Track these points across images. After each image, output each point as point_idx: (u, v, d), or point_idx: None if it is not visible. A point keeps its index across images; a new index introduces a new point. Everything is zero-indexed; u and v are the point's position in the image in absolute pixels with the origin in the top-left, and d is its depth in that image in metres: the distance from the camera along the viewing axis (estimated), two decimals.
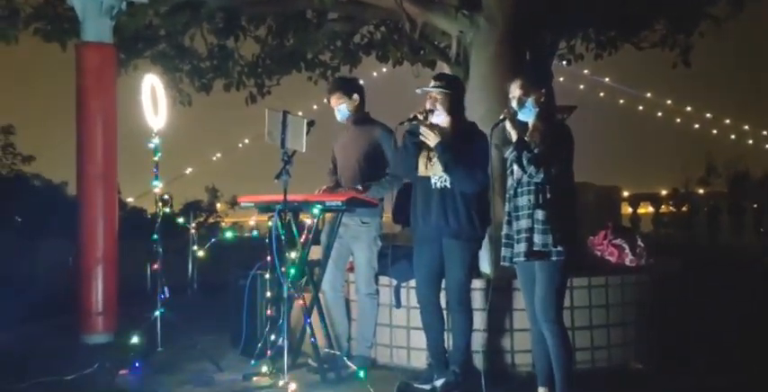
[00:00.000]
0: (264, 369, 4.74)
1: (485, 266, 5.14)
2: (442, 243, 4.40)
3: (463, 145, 4.30)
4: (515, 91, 4.00)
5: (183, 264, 8.64)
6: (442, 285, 4.51)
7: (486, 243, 4.93)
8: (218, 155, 42.56)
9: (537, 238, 3.80)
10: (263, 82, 9.06)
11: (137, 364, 4.87)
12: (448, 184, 4.36)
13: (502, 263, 4.04)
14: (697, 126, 48.81)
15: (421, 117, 4.33)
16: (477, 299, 4.83)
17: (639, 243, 5.29)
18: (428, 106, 4.36)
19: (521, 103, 3.95)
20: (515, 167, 3.92)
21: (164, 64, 8.55)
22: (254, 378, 4.71)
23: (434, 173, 4.38)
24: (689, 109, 49.23)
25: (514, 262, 3.96)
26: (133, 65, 8.28)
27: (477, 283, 4.82)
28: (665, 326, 5.21)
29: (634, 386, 4.69)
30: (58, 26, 7.19)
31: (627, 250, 5.25)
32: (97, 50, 6.02)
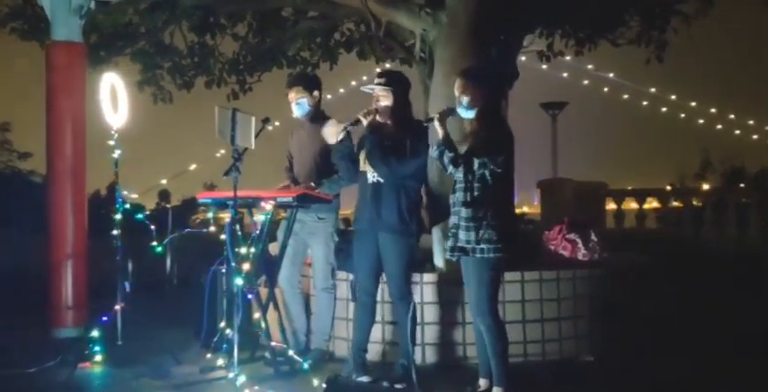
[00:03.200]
0: (220, 362, 4.83)
1: (438, 261, 5.21)
2: (377, 236, 4.45)
3: (400, 140, 4.36)
4: (455, 89, 4.08)
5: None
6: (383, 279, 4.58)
7: (439, 237, 5.03)
8: (222, 151, 42.64)
9: (461, 235, 3.89)
10: (244, 79, 9.15)
11: (97, 357, 4.98)
12: (381, 179, 4.42)
13: (445, 255, 4.14)
14: (702, 121, 48.71)
15: (364, 119, 4.40)
16: (430, 293, 4.94)
17: (593, 237, 5.36)
18: (373, 106, 4.42)
19: (459, 102, 4.03)
20: None
21: (144, 61, 8.65)
22: (211, 371, 4.81)
23: (370, 168, 4.46)
24: (693, 104, 49.13)
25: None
26: (114, 62, 8.37)
27: (428, 277, 4.92)
28: (618, 320, 5.26)
29: (584, 378, 4.75)
30: (35, 25, 7.31)
31: (580, 244, 5.32)
32: (66, 49, 6.10)
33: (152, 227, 5.24)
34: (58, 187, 6.06)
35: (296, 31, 8.39)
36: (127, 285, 5.16)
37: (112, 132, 5.16)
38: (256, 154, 4.74)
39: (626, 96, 51.71)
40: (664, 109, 51.02)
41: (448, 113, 4.01)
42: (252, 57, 8.93)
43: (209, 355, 4.97)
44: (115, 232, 5.15)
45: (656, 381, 4.64)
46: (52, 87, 6.08)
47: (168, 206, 13.35)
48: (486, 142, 3.90)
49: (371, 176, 4.46)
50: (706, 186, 19.49)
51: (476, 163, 3.84)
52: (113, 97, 5.23)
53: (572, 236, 5.34)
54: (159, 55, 8.65)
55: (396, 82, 4.48)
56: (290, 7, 7.89)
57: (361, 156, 4.49)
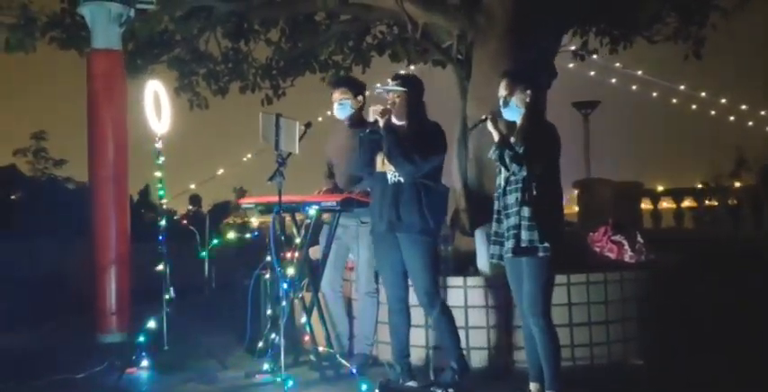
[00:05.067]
0: (266, 366, 4.84)
1: (482, 263, 5.17)
2: (397, 239, 4.39)
3: (416, 141, 4.31)
4: (501, 90, 4.05)
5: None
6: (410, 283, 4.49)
7: (483, 239, 4.99)
8: (248, 155, 42.75)
9: (524, 235, 3.84)
10: (278, 83, 9.19)
11: (144, 363, 5.02)
12: (402, 179, 4.36)
13: (490, 261, 4.11)
14: (732, 118, 47.86)
15: (380, 119, 4.32)
16: (475, 297, 4.90)
17: (639, 239, 5.29)
18: (388, 106, 4.38)
19: (505, 103, 4.00)
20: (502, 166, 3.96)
21: (180, 68, 8.73)
22: (256, 376, 4.82)
23: (390, 168, 4.40)
24: (723, 101, 48.30)
25: (503, 259, 4.01)
26: (150, 69, 8.45)
27: (472, 281, 4.89)
28: (666, 322, 5.19)
29: (633, 382, 4.68)
30: (74, 34, 7.39)
31: (626, 246, 5.25)
32: (106, 57, 6.18)
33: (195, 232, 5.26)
34: (100, 193, 6.12)
35: (328, 35, 8.41)
36: (172, 291, 5.18)
37: (156, 139, 5.20)
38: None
39: (655, 94, 51.00)
40: (694, 106, 50.26)
41: (496, 115, 3.98)
42: (285, 63, 8.97)
43: (254, 359, 4.99)
44: (160, 238, 5.18)
45: (703, 384, 4.56)
46: (94, 94, 6.16)
47: (203, 210, 13.49)
48: (538, 143, 3.87)
49: (392, 176, 4.40)
50: (737, 184, 19.05)
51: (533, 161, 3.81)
52: (156, 104, 5.27)
53: (617, 237, 5.26)
54: (195, 61, 8.71)
55: (410, 84, 4.44)
56: (322, 10, 7.90)
57: (379, 158, 4.44)
